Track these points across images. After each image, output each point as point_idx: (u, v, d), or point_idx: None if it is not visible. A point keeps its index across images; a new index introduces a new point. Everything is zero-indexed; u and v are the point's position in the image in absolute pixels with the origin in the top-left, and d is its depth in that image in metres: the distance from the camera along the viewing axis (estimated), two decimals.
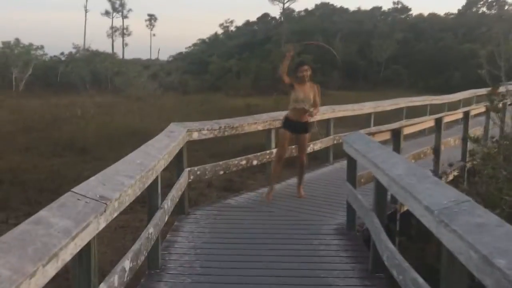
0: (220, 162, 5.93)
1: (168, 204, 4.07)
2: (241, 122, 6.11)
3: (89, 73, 39.47)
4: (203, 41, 69.30)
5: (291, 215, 5.44)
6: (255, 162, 6.45)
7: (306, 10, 68.58)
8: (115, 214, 2.48)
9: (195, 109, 23.41)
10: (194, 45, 69.20)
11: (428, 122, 6.86)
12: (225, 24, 71.98)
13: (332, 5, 69.14)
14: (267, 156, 6.65)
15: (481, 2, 64.93)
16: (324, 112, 7.91)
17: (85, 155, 12.47)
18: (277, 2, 58.94)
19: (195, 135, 5.42)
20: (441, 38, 53.74)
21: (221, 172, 5.95)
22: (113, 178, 2.71)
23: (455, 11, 65.88)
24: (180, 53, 66.81)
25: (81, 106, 21.88)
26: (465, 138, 8.70)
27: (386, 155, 3.57)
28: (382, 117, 11.00)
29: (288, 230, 4.94)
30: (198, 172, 5.54)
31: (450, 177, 7.75)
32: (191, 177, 5.43)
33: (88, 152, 12.79)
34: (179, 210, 5.29)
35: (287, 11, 61.58)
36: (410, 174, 2.94)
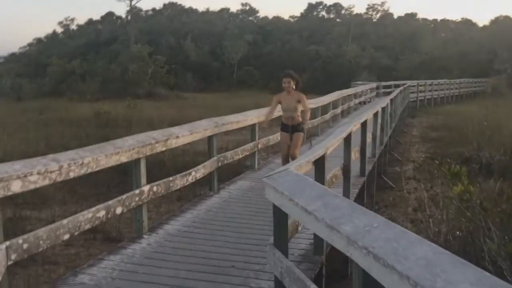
0: (64, 221, 3.76)
1: None
2: (95, 155, 3.99)
3: None
4: (39, 41, 62.33)
5: None
6: (119, 210, 4.38)
7: (154, 10, 65.85)
8: None
9: (32, 120, 19.74)
10: (30, 45, 61.92)
11: (338, 140, 5.47)
12: (65, 22, 65.57)
13: (181, 5, 67.43)
14: (137, 198, 4.63)
15: (321, 7, 68.78)
16: (206, 128, 6.11)
17: None
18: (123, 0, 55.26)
19: (17, 186, 3.21)
20: (288, 41, 55.46)
21: (67, 237, 3.78)
22: None
23: (298, 14, 68.45)
24: (13, 54, 59.17)
25: None
26: (363, 151, 7.65)
27: (395, 234, 1.92)
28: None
29: None
30: (25, 246, 3.32)
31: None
32: (13, 256, 3.21)
33: None
34: None
35: (134, 10, 58.15)
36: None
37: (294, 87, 6.76)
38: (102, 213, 4.13)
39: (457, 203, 3.64)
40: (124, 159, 4.39)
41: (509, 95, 31.87)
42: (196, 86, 44.55)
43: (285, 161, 6.86)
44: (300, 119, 6.86)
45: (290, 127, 6.83)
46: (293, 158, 6.56)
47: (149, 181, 5.02)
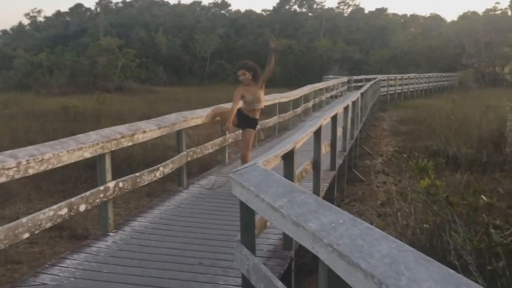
0: (24, 219, 3.61)
1: None
2: (56, 151, 3.85)
3: None
4: (5, 32, 60.66)
5: None
6: (83, 208, 4.25)
7: (124, 2, 64.71)
8: None
9: None
10: None
11: (308, 134, 5.44)
12: (31, 14, 63.90)
13: None
14: (101, 195, 4.50)
15: (293, 1, 68.78)
16: (174, 122, 6.00)
17: None
18: None
19: None
20: (260, 34, 55.32)
21: (26, 236, 3.64)
22: None
23: (270, 7, 68.53)
24: None
25: None
26: (333, 144, 7.66)
27: (361, 230, 1.88)
28: None
29: None
30: None
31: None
32: None
33: None
34: None
35: (104, 2, 57.03)
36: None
37: (251, 77, 5.87)
38: (64, 211, 3.99)
39: (424, 197, 3.65)
40: (87, 154, 4.25)
41: (476, 89, 32.64)
42: (167, 79, 44.08)
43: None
44: (257, 115, 6.06)
45: (247, 118, 5.99)
46: (244, 160, 5.88)
47: (118, 176, 4.90)
